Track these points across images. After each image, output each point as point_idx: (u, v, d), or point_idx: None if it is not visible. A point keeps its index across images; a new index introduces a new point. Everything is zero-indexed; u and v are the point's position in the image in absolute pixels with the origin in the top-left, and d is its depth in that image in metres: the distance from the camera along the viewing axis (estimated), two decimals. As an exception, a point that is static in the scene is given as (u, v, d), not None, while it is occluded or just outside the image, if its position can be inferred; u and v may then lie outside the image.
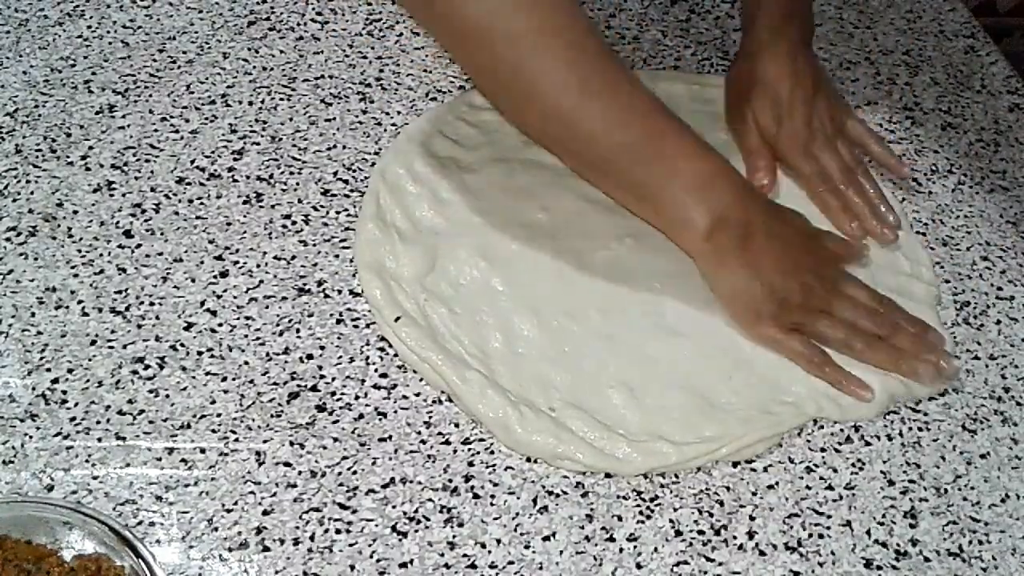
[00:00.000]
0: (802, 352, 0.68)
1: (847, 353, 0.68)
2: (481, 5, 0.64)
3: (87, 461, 0.60)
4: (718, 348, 0.68)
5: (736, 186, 0.69)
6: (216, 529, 0.58)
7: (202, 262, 0.71)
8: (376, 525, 0.59)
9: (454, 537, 0.59)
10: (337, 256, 0.72)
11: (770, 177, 0.78)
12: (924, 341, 0.69)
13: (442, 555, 0.58)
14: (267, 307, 0.69)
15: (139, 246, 0.71)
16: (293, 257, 0.72)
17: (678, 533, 0.60)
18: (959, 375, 0.69)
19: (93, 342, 0.66)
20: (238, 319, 0.68)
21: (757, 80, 0.79)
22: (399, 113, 0.82)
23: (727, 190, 0.69)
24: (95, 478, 0.60)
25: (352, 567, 0.58)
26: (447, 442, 0.63)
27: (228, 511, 0.59)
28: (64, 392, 0.63)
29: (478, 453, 0.63)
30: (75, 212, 0.73)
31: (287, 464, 0.61)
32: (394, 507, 0.60)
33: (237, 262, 0.71)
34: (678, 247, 0.71)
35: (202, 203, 0.74)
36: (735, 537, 0.61)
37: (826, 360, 0.68)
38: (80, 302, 0.68)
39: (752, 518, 0.62)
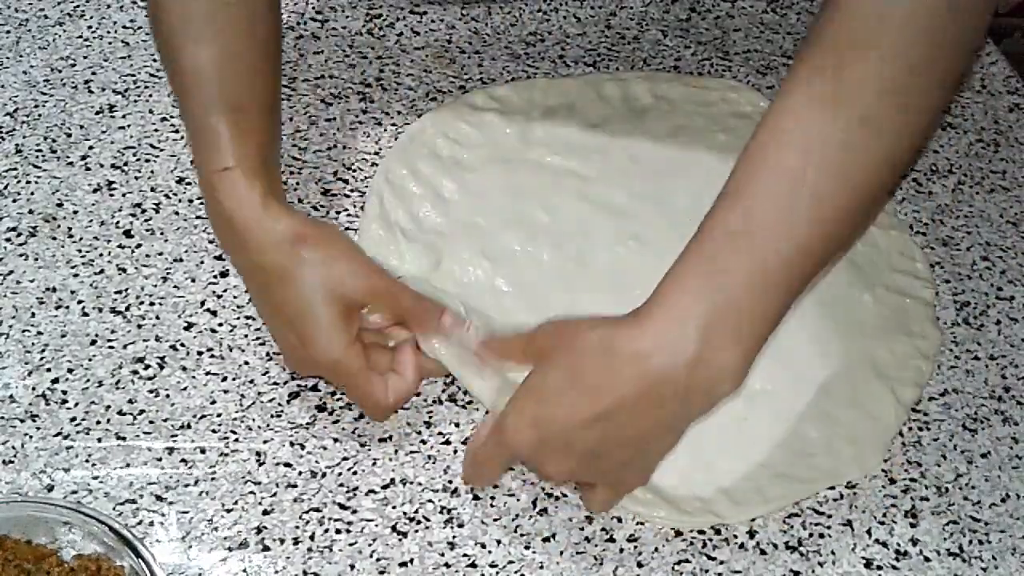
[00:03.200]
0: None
1: None
2: None
3: (87, 461, 0.60)
4: None
5: (238, 198, 0.61)
6: (216, 529, 0.58)
7: (202, 262, 0.71)
8: (376, 525, 0.59)
9: (454, 537, 0.59)
10: (337, 256, 0.72)
11: None
12: None
13: (442, 555, 0.58)
14: (267, 307, 0.69)
15: (139, 246, 0.71)
16: (293, 257, 0.72)
17: (678, 534, 0.60)
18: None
19: (93, 342, 0.66)
20: (238, 319, 0.68)
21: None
22: (399, 113, 0.82)
23: (226, 198, 0.61)
24: (95, 478, 0.60)
25: (352, 567, 0.57)
26: (447, 442, 0.63)
27: (228, 511, 0.59)
28: (64, 392, 0.63)
29: (478, 453, 0.63)
30: (75, 212, 0.73)
31: (287, 464, 0.61)
32: (394, 507, 0.60)
33: (237, 262, 0.71)
34: None
35: (202, 203, 0.74)
36: (736, 536, 0.61)
37: None
38: (80, 302, 0.68)
39: (752, 517, 0.62)
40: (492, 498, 0.61)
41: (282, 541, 0.58)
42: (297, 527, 0.59)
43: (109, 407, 0.63)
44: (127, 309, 0.68)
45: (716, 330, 0.53)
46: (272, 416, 0.63)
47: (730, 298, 0.53)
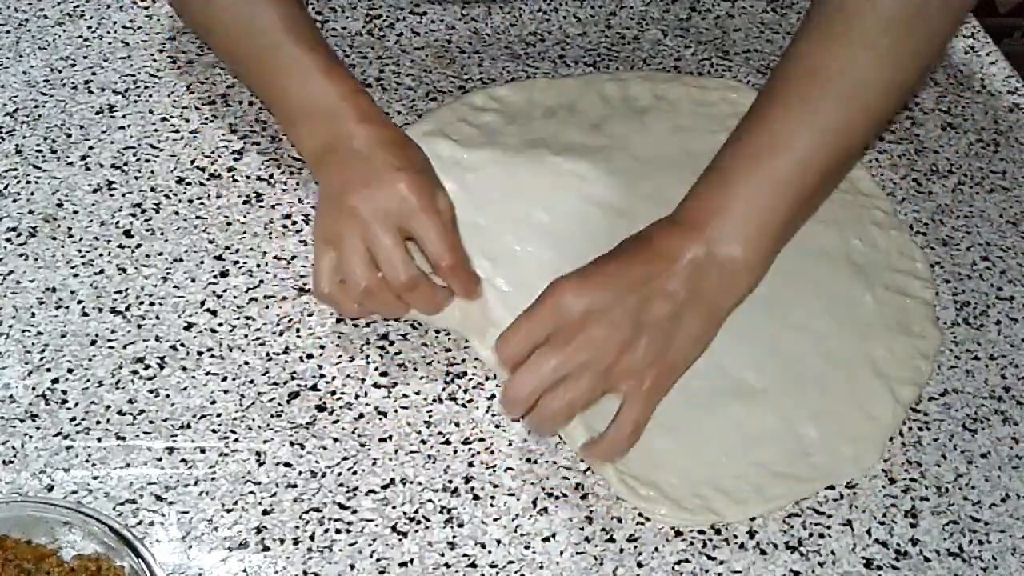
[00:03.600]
0: (346, 307, 0.66)
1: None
2: None
3: (87, 461, 0.60)
4: (722, 369, 0.68)
5: (349, 118, 0.67)
6: (216, 529, 0.58)
7: (202, 262, 0.71)
8: (376, 525, 0.59)
9: (454, 537, 0.59)
10: (337, 256, 0.72)
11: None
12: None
13: (442, 555, 0.58)
14: (267, 307, 0.69)
15: (139, 246, 0.71)
16: (293, 257, 0.72)
17: (678, 534, 0.60)
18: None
19: (93, 342, 0.66)
20: (238, 319, 0.68)
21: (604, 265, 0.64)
22: (399, 113, 0.82)
23: (334, 119, 0.67)
24: (95, 478, 0.60)
25: (352, 566, 0.58)
26: (447, 442, 0.63)
27: (228, 511, 0.59)
28: (64, 392, 0.63)
29: (478, 453, 0.63)
30: (75, 212, 0.73)
31: (287, 464, 0.61)
32: (394, 507, 0.60)
33: (237, 262, 0.71)
34: None
35: (202, 203, 0.74)
36: (736, 536, 0.61)
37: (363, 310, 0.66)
38: (80, 302, 0.68)
39: (752, 517, 0.62)
40: (492, 498, 0.61)
41: (282, 541, 0.58)
42: (297, 527, 0.59)
43: (109, 407, 0.63)
44: (127, 309, 0.68)
45: (722, 232, 0.63)
46: (272, 416, 0.63)
47: (736, 206, 0.64)
